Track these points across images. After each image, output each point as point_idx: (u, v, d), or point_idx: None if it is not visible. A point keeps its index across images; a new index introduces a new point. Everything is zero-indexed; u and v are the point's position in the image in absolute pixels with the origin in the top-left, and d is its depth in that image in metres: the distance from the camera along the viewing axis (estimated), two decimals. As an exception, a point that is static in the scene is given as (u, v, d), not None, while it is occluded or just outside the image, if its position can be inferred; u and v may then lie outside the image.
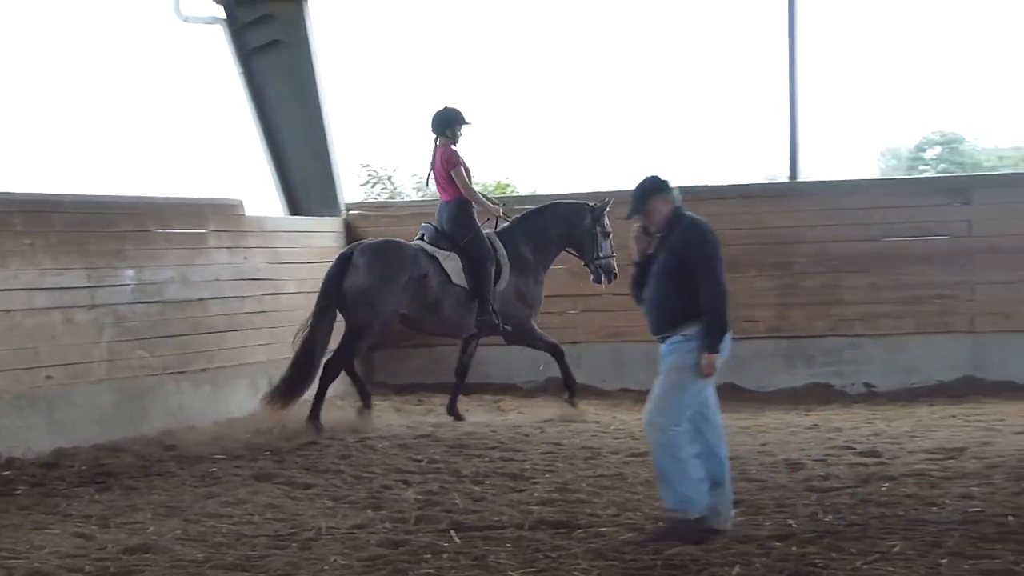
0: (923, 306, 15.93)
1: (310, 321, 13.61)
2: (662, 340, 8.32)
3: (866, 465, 10.35)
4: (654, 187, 8.42)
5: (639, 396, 15.29)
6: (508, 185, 25.40)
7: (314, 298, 13.81)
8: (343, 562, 7.75)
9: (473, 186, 14.42)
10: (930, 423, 12.88)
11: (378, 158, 25.99)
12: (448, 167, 13.98)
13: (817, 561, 7.18)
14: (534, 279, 14.53)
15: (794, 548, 7.48)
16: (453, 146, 14.12)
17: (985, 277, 15.84)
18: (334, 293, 13.63)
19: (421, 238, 14.28)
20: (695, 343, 8.09)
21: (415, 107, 27.70)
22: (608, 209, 14.28)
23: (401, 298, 13.76)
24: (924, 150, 34.68)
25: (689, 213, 8.42)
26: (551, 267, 14.92)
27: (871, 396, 15.41)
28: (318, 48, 17.50)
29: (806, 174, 17.16)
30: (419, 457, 11.47)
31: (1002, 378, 15.50)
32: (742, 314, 16.53)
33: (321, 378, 13.59)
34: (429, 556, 7.84)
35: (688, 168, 29.57)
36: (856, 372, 15.82)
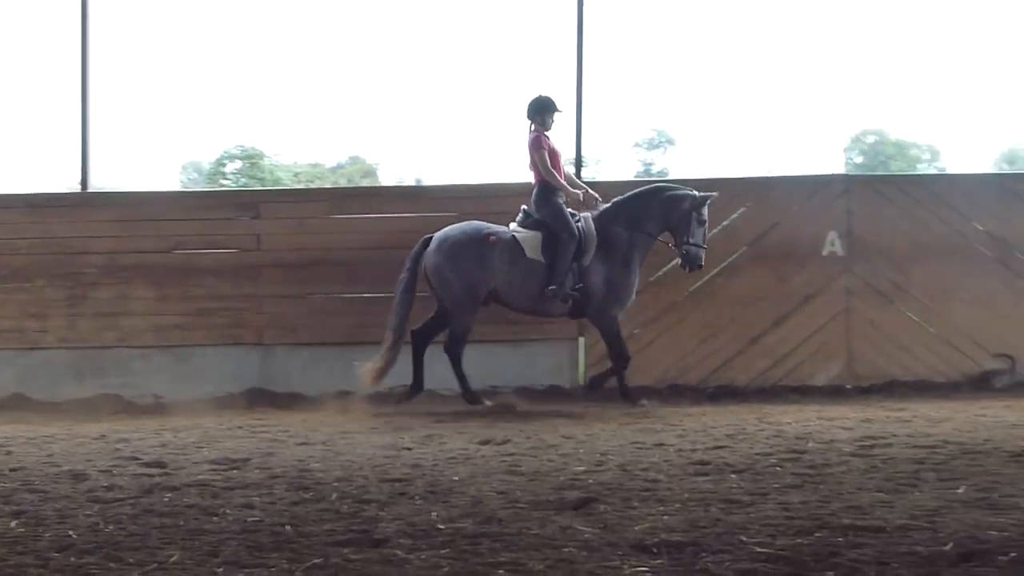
0: (213, 318, 16.23)
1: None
2: None
3: (151, 476, 10.39)
4: None
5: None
6: None
7: None
8: None
9: (565, 169, 15.01)
10: (217, 434, 13.11)
11: None
12: (532, 150, 14.61)
13: (94, 571, 7.16)
14: (622, 264, 14.48)
15: (72, 559, 7.43)
16: (546, 132, 14.66)
17: (272, 291, 16.31)
18: (412, 267, 14.73)
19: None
20: None
21: None
22: (711, 201, 14.44)
23: (477, 270, 14.57)
24: (225, 164, 35.22)
25: None
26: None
27: (160, 407, 15.49)
28: None
29: (98, 184, 17.07)
30: None
31: (288, 390, 16.04)
32: (30, 324, 16.28)
33: (452, 366, 14.64)
34: None
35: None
36: (146, 383, 15.88)
